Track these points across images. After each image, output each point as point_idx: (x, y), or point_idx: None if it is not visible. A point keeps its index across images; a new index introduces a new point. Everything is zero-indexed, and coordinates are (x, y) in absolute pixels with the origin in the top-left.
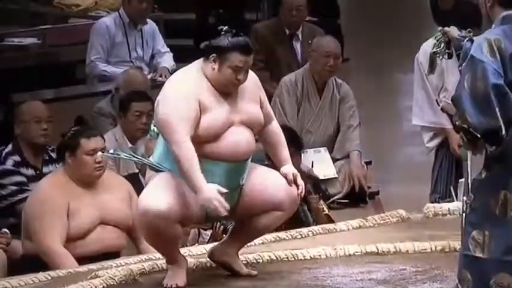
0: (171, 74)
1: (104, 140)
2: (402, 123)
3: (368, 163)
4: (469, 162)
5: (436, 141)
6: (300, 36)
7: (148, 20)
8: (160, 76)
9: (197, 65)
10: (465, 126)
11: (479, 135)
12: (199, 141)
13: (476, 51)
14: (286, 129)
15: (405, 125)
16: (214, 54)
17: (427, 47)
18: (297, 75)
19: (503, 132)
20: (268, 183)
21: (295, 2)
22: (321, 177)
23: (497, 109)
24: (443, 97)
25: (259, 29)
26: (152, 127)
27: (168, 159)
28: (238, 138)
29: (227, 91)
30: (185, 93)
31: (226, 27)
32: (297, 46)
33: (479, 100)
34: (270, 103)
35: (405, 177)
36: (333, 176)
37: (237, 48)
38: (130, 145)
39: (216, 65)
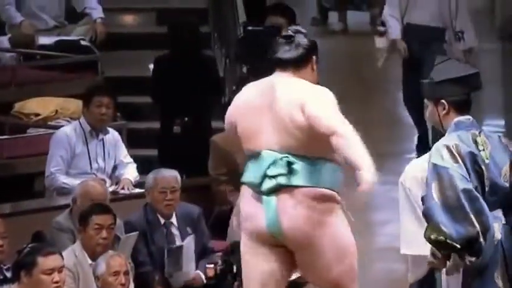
0: (135, 186)
1: (63, 258)
2: (375, 238)
3: None
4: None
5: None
6: None
7: (110, 129)
8: (123, 188)
9: (293, 76)
10: (442, 238)
11: (458, 245)
12: None
13: (437, 159)
14: None
15: (378, 241)
16: (314, 56)
17: (412, 168)
18: None
19: (481, 239)
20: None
21: None
22: None
23: (471, 215)
24: None
25: (217, 141)
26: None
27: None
28: None
29: None
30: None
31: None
32: None
33: (452, 208)
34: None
35: None
36: None
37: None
38: (90, 262)
39: (315, 64)
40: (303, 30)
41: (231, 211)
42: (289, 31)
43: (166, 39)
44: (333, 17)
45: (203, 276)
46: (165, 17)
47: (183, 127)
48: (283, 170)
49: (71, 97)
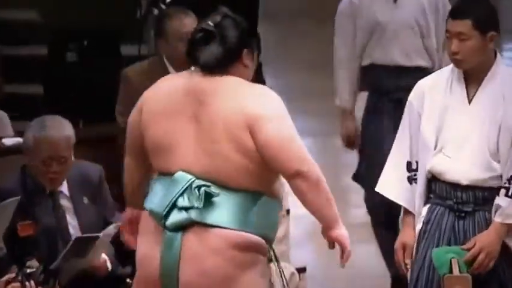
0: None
1: None
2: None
3: (301, 270)
4: None
5: None
6: None
7: None
8: None
9: (220, 76)
10: None
11: None
12: None
13: None
14: None
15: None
16: (245, 49)
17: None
18: None
19: None
20: None
21: (185, 27)
22: None
23: None
24: None
25: (130, 76)
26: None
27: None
28: None
29: None
30: None
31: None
32: None
33: None
34: None
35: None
36: None
37: None
38: None
39: (247, 58)
40: (231, 14)
41: None
42: (210, 22)
43: None
44: None
45: (109, 264)
46: None
47: (79, 53)
48: (198, 203)
49: None
